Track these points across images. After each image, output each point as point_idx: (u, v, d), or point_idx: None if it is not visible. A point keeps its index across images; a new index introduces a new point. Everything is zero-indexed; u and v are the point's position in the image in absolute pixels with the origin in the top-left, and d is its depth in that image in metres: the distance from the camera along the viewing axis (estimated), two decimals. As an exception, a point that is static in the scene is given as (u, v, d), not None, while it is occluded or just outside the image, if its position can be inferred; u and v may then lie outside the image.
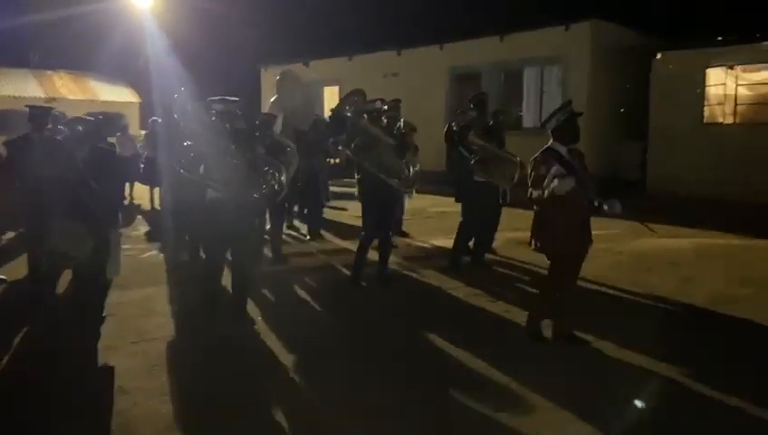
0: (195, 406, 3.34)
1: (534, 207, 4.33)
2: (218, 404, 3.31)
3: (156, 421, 3.11)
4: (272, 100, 10.87)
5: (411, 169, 6.01)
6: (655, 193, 11.32)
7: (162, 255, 7.12)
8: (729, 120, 11.48)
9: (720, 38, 11.38)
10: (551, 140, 4.29)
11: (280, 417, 3.25)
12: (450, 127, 6.86)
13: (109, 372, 3.77)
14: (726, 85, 11.40)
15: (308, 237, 8.28)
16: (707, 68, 11.51)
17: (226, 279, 5.19)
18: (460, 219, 6.67)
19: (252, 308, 5.02)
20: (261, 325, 4.75)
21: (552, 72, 13.60)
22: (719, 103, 11.52)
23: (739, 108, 11.34)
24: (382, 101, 6.42)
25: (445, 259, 6.73)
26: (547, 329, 4.32)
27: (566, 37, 12.97)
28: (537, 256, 4.64)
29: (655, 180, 11.95)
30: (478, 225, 6.67)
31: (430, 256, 7.21)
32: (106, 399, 3.36)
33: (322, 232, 8.34)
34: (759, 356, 4.11)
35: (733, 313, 4.98)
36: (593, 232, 4.28)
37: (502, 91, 14.16)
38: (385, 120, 6.35)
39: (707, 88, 11.60)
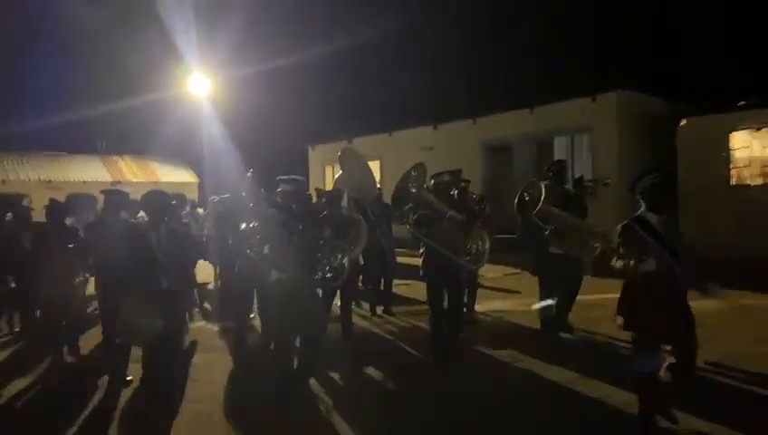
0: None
1: (623, 281, 4.04)
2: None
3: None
4: (336, 176, 11.43)
5: (480, 245, 5.72)
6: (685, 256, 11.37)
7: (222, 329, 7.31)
8: (757, 181, 11.65)
9: (743, 102, 11.72)
10: (641, 208, 4.04)
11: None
12: (522, 196, 6.43)
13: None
14: (752, 148, 11.62)
15: (374, 314, 8.04)
16: (732, 132, 11.72)
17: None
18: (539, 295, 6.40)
19: (316, 385, 5.06)
20: (326, 403, 4.75)
21: (581, 142, 14.05)
22: (745, 166, 11.71)
23: (765, 169, 11.50)
24: (450, 173, 6.08)
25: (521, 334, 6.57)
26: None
27: (594, 107, 13.47)
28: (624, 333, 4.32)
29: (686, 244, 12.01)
30: (558, 297, 6.34)
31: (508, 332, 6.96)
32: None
33: (392, 308, 8.14)
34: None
35: (744, 368, 5.17)
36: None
37: (533, 161, 14.65)
38: (455, 192, 6.04)
39: (733, 151, 11.78)
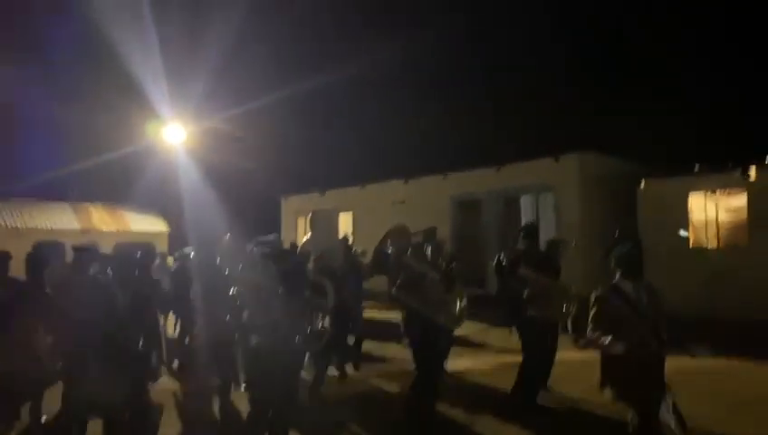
0: None
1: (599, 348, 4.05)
2: None
3: None
4: (305, 239, 11.50)
5: (459, 304, 5.81)
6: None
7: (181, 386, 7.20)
8: (713, 244, 12.13)
9: (698, 165, 12.31)
10: (617, 275, 4.10)
11: None
12: (499, 260, 6.57)
13: None
14: (708, 210, 12.14)
15: (342, 377, 7.70)
16: (689, 193, 12.26)
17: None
18: (522, 356, 6.29)
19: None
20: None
21: (546, 199, 14.51)
22: (702, 228, 12.21)
23: (722, 232, 12.01)
24: (425, 233, 6.28)
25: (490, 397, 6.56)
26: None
27: (556, 168, 14.04)
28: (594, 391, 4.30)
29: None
30: (537, 364, 6.25)
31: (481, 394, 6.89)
32: None
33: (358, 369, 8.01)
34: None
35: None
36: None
37: (500, 217, 15.15)
38: (429, 253, 5.98)
39: (690, 213, 12.28)
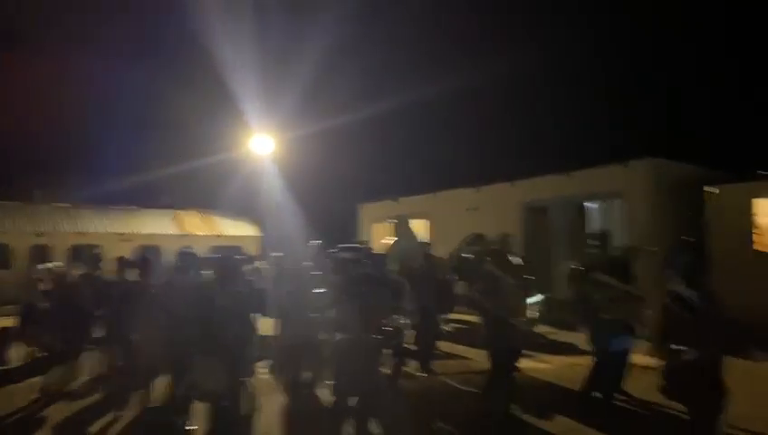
0: None
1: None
2: None
3: None
4: (391, 242, 12.28)
5: (533, 308, 6.27)
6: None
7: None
8: None
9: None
10: (677, 283, 4.25)
11: None
12: (573, 265, 6.72)
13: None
14: None
15: (424, 374, 8.23)
16: (754, 198, 12.34)
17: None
18: (594, 360, 6.51)
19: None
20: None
21: (615, 207, 14.79)
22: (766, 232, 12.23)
23: None
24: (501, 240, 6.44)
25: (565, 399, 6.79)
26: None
27: (625, 173, 14.23)
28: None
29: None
30: (610, 366, 6.43)
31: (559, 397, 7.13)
32: None
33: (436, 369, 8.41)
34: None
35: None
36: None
37: (570, 223, 15.41)
38: (510, 259, 6.22)
39: (755, 217, 12.34)
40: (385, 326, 5.47)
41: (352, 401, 5.38)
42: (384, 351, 5.99)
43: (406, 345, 8.85)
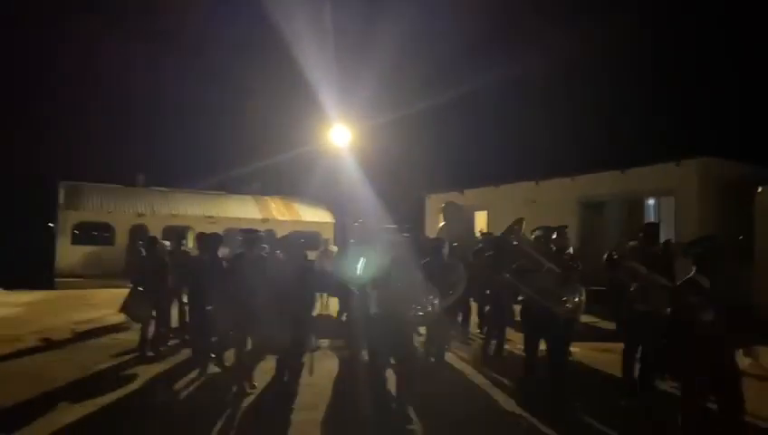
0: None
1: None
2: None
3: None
4: (440, 226, 12.92)
5: (576, 298, 5.92)
6: (764, 319, 11.78)
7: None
8: None
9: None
10: (693, 271, 4.21)
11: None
12: (611, 254, 6.58)
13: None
14: None
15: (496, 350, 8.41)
16: None
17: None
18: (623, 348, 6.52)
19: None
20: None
21: (668, 203, 15.27)
22: None
23: None
24: (553, 229, 6.38)
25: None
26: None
27: (677, 172, 14.73)
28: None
29: (762, 307, 12.06)
30: (644, 353, 6.39)
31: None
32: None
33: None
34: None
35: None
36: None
37: (624, 219, 15.94)
38: (553, 248, 6.25)
39: None
40: (423, 303, 5.77)
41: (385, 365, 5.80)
42: (417, 325, 6.41)
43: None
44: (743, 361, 4.21)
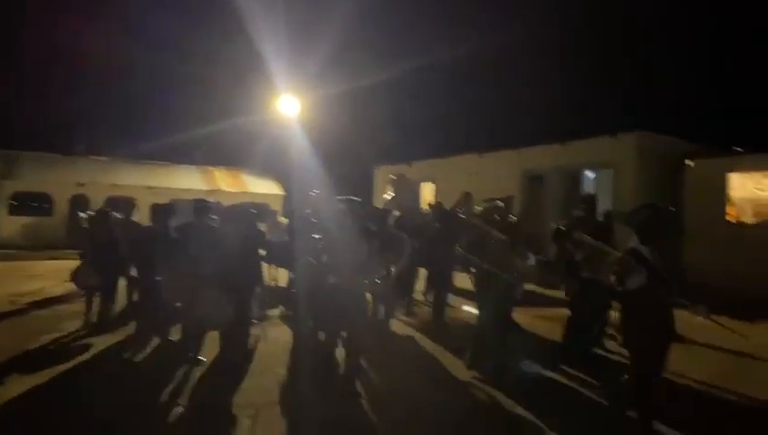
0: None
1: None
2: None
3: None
4: (388, 197, 13.02)
5: (525, 263, 6.15)
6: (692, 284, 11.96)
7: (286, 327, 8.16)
8: (749, 219, 13.16)
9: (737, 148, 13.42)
10: (634, 240, 4.33)
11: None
12: (558, 226, 6.83)
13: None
14: (745, 189, 13.27)
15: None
16: (728, 173, 13.35)
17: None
18: (568, 315, 6.79)
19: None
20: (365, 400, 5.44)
21: (605, 177, 15.76)
22: (739, 205, 13.31)
23: (757, 209, 13.09)
24: (501, 200, 6.57)
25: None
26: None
27: (615, 145, 15.20)
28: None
29: (691, 272, 12.73)
30: (588, 321, 6.68)
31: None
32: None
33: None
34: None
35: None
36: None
37: (564, 191, 16.40)
38: (497, 217, 6.47)
39: (730, 191, 13.38)
40: (371, 272, 5.94)
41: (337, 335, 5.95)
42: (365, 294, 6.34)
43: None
44: (694, 319, 4.25)
